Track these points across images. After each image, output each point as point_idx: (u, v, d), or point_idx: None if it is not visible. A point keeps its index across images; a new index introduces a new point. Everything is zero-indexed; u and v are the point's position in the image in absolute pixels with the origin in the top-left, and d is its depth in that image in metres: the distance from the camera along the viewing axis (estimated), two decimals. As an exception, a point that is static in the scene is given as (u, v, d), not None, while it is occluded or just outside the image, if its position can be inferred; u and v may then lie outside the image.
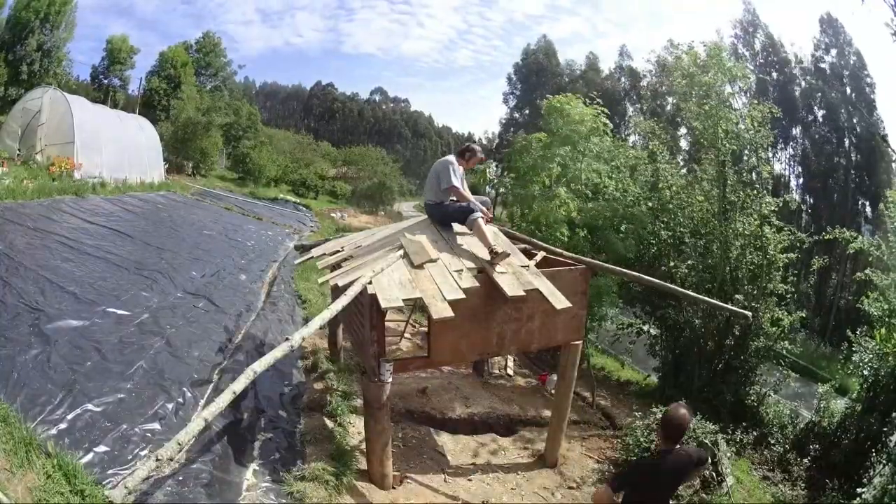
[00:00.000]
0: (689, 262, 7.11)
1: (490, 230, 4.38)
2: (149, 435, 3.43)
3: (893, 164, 26.72)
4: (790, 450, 6.03)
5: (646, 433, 5.04)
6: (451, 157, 4.65)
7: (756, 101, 7.51)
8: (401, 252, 4.09)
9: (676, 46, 8.73)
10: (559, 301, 3.86)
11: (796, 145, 30.64)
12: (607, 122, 7.62)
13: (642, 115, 31.53)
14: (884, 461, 5.29)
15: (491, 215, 4.71)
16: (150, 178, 15.59)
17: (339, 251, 4.86)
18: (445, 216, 4.64)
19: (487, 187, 11.12)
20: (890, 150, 24.16)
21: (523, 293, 3.81)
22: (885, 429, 5.48)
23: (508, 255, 4.11)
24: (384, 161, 35.97)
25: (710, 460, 3.93)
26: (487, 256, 4.08)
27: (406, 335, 7.24)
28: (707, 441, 4.85)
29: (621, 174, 7.86)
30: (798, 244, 6.88)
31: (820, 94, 29.19)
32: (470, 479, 4.52)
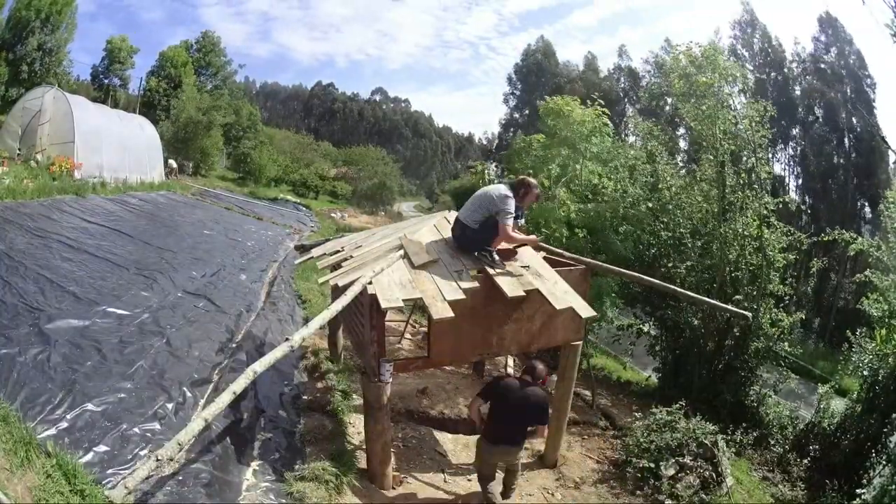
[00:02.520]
0: (689, 262, 7.10)
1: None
2: (149, 435, 3.43)
3: (893, 165, 26.70)
4: (790, 450, 6.02)
5: (646, 433, 5.05)
6: (507, 191, 4.05)
7: (754, 101, 7.48)
8: (401, 252, 4.09)
9: (674, 47, 8.70)
10: (559, 301, 3.86)
11: (796, 145, 30.64)
12: (608, 122, 7.61)
13: (640, 116, 31.52)
14: (884, 462, 5.30)
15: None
16: (151, 177, 15.62)
17: (339, 251, 4.86)
18: (475, 242, 4.13)
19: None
20: (890, 150, 24.13)
21: (523, 293, 3.81)
22: (885, 429, 5.48)
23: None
24: (384, 161, 36.05)
25: (547, 414, 3.97)
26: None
27: (406, 335, 7.24)
28: (707, 441, 4.85)
29: (620, 175, 7.86)
30: (797, 245, 6.86)
31: (819, 94, 29.17)
32: (470, 479, 4.51)
